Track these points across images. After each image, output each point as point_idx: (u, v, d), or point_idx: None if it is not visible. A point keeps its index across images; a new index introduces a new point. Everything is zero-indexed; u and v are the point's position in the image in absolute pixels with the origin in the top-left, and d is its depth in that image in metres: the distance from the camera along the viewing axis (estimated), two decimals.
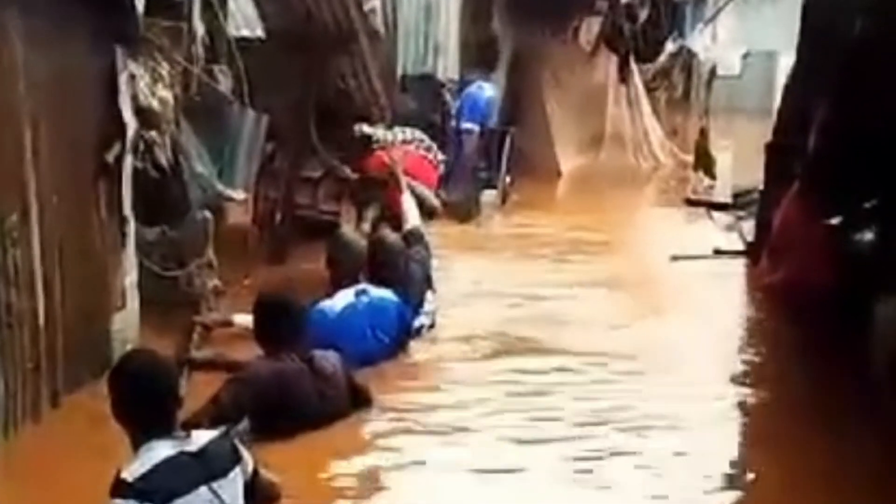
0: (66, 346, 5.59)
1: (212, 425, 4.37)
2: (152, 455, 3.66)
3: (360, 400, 5.69)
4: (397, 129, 9.04)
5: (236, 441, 4.07)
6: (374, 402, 5.74)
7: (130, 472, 3.61)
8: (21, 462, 4.97)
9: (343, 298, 6.48)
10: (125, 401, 3.80)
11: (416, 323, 7.01)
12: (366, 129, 8.69)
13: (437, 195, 10.39)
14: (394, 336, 6.59)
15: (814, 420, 5.69)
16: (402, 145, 8.76)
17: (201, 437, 3.84)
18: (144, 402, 3.76)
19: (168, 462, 3.65)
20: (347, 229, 7.71)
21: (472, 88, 11.88)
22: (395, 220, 7.83)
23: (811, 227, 7.15)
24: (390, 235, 7.30)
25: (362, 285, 6.59)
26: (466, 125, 11.54)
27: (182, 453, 3.71)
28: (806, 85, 7.85)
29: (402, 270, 7.06)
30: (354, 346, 6.13)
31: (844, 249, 7.01)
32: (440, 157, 9.41)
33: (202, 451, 3.76)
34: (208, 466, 3.76)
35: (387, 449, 5.31)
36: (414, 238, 7.52)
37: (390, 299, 6.63)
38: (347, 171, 8.63)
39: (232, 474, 3.85)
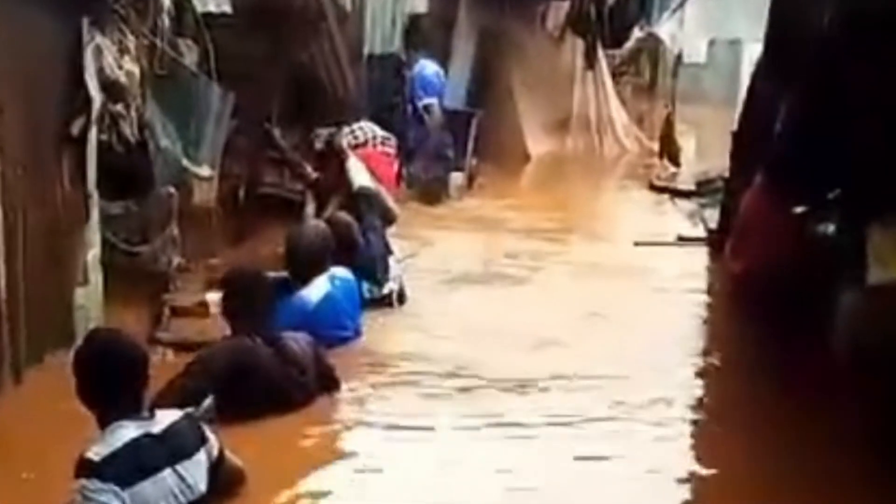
0: (28, 321, 5.55)
1: (174, 407, 4.35)
2: (117, 436, 3.62)
3: (328, 383, 5.67)
4: (354, 129, 9.00)
5: (201, 423, 4.05)
6: (340, 386, 5.73)
7: (95, 452, 3.58)
8: None
9: (318, 287, 6.46)
10: (91, 380, 3.74)
11: (385, 289, 7.23)
12: (321, 132, 8.58)
13: (403, 177, 10.46)
14: (356, 318, 6.65)
15: (773, 412, 5.71)
16: (359, 148, 8.73)
17: (166, 418, 3.80)
18: (111, 381, 3.71)
19: (132, 444, 3.61)
20: (307, 220, 7.65)
21: (417, 67, 11.78)
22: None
23: (775, 216, 7.15)
24: (341, 218, 7.32)
25: (331, 271, 6.57)
26: (426, 101, 11.44)
27: (146, 435, 3.67)
28: (773, 74, 7.87)
29: (363, 247, 7.18)
30: (333, 333, 6.20)
31: (808, 239, 7.04)
32: (393, 146, 9.45)
33: (166, 433, 3.73)
34: (172, 448, 3.73)
35: (349, 436, 5.30)
36: (365, 199, 7.60)
37: (352, 280, 6.68)
38: (308, 168, 8.49)
39: (196, 456, 3.82)
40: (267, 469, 4.58)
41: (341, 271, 6.62)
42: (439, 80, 11.84)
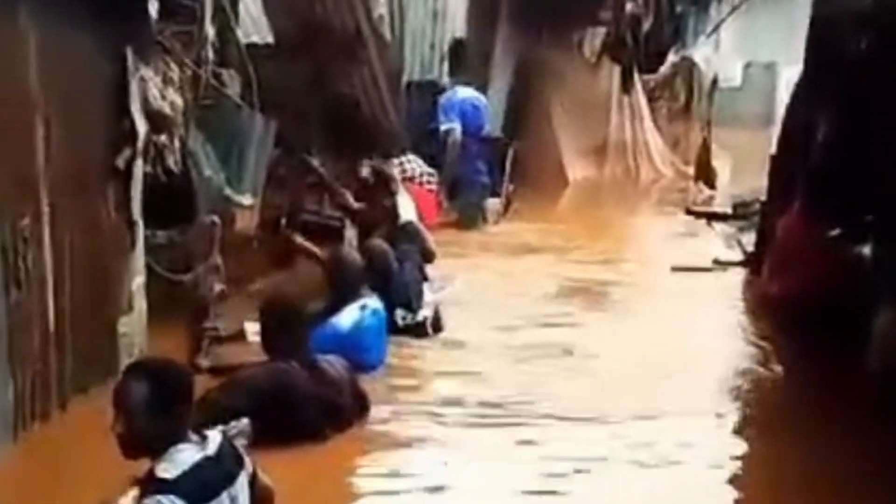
0: (74, 349, 5.63)
1: (204, 423, 4.39)
2: (183, 458, 3.62)
3: (361, 407, 5.74)
4: (402, 162, 9.09)
5: (236, 443, 4.08)
6: (370, 411, 5.78)
7: (166, 470, 3.58)
8: (29, 465, 5.00)
9: (350, 314, 6.55)
10: (145, 405, 3.76)
11: (419, 317, 7.30)
12: (366, 167, 8.66)
13: (440, 205, 10.54)
14: (383, 347, 6.73)
15: (810, 434, 5.73)
16: (407, 182, 8.84)
17: (215, 440, 3.83)
18: (166, 407, 3.73)
19: (197, 467, 3.63)
20: (347, 246, 7.73)
21: (448, 93, 11.72)
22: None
23: (813, 239, 7.18)
24: (378, 244, 7.44)
25: (363, 299, 6.66)
26: (445, 126, 11.34)
27: (206, 458, 3.70)
28: (811, 98, 7.88)
29: (397, 274, 7.32)
30: (360, 360, 6.23)
31: (845, 261, 7.04)
32: (435, 182, 9.52)
33: (219, 455, 3.76)
34: (225, 470, 3.76)
35: (376, 465, 5.34)
36: (407, 234, 7.78)
37: (381, 310, 6.75)
38: (349, 196, 8.56)
39: (241, 478, 3.85)
40: (300, 493, 4.59)
41: (372, 301, 6.71)
42: (469, 106, 11.64)
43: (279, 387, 5.31)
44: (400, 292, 7.28)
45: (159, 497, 3.49)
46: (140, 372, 3.85)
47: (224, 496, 3.68)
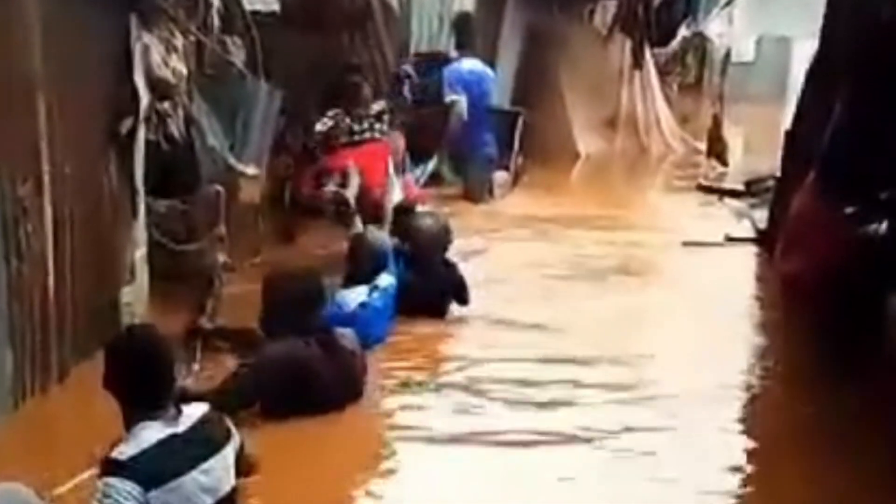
0: (74, 319, 5.59)
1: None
2: (144, 437, 3.54)
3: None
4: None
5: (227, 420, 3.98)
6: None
7: (120, 452, 3.51)
8: (29, 434, 4.98)
9: (358, 294, 6.46)
10: (120, 376, 3.69)
11: None
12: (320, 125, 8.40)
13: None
14: (385, 328, 6.60)
15: (822, 412, 5.69)
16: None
17: (192, 416, 3.73)
18: (140, 379, 3.65)
19: (159, 445, 3.53)
20: (371, 227, 7.56)
21: (453, 64, 11.53)
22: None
23: (827, 216, 7.08)
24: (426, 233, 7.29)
25: (375, 281, 6.55)
26: (451, 97, 11.17)
27: (173, 436, 3.60)
28: (827, 72, 7.77)
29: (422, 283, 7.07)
30: (363, 337, 6.10)
31: (859, 239, 6.95)
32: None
33: (192, 432, 3.66)
34: (199, 447, 3.64)
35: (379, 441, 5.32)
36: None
37: (391, 291, 6.63)
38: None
39: (225, 451, 3.76)
40: (309, 464, 4.60)
41: (385, 280, 6.60)
42: (475, 77, 11.43)
43: (298, 374, 5.24)
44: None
45: (107, 479, 3.44)
46: (121, 341, 3.81)
47: (193, 474, 3.58)
